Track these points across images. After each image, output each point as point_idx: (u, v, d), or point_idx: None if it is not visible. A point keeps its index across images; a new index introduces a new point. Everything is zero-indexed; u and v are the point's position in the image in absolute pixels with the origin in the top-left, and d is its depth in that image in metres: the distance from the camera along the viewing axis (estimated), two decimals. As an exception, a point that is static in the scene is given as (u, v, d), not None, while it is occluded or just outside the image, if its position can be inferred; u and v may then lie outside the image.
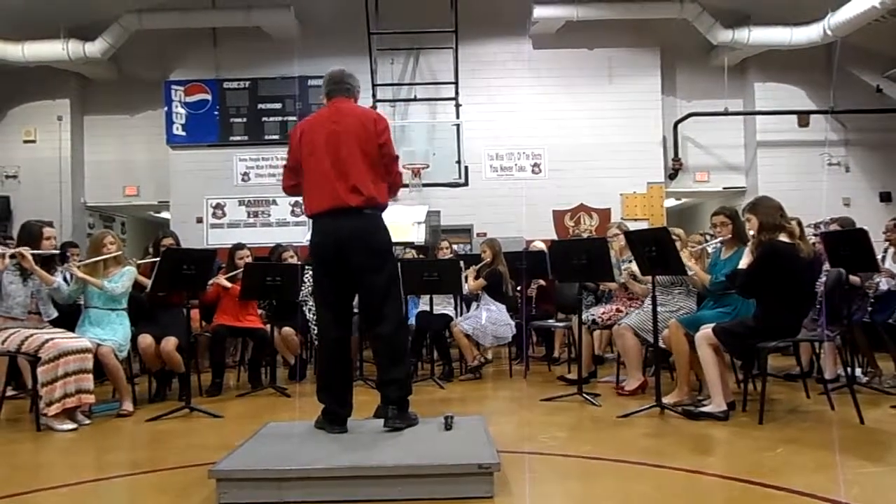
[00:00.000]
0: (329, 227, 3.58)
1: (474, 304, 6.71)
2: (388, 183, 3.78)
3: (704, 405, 4.40)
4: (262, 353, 6.03)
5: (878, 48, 10.54)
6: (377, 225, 3.64)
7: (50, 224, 4.98)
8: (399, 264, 6.39)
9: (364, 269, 3.57)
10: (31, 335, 4.48)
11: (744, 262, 4.34)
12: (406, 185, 4.02)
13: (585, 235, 9.79)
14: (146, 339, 5.22)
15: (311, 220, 3.72)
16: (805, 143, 11.16)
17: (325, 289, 3.68)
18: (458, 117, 10.26)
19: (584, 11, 10.31)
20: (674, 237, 4.72)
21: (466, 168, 9.72)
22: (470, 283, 6.59)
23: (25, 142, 11.34)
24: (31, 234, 4.75)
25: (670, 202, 12.06)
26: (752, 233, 4.36)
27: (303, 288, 6.22)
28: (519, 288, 7.02)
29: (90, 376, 4.51)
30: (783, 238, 4.20)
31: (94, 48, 10.30)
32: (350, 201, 3.53)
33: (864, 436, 3.92)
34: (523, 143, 11.14)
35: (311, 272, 6.50)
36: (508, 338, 6.53)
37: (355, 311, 4.21)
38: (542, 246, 7.45)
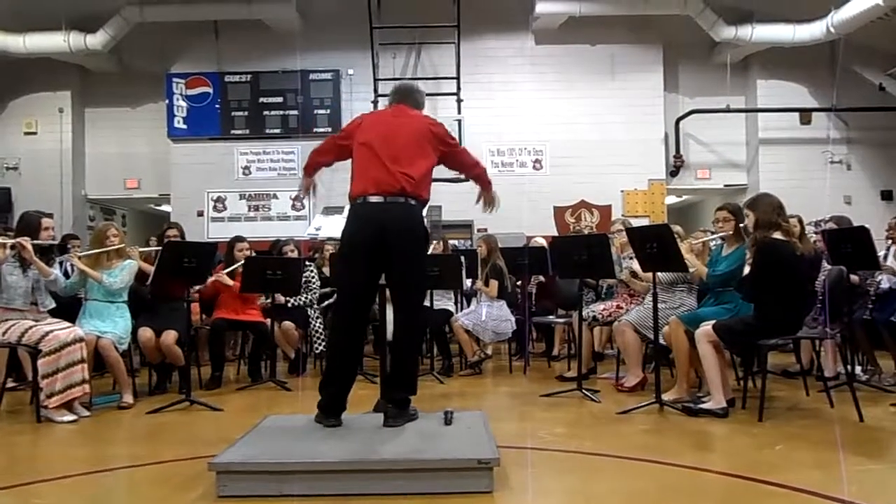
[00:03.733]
0: (374, 210, 3.57)
1: (474, 300, 6.70)
2: (466, 171, 4.10)
3: (704, 402, 4.40)
4: (263, 346, 6.04)
5: (881, 46, 10.50)
6: (421, 216, 3.71)
7: (49, 215, 4.97)
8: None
9: (403, 257, 3.56)
10: (32, 327, 4.49)
11: (748, 268, 4.34)
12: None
13: (586, 232, 9.80)
14: (146, 333, 5.23)
15: (348, 206, 3.71)
16: (807, 141, 11.13)
17: (354, 275, 3.62)
18: (459, 112, 10.22)
19: (586, 7, 10.28)
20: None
21: (468, 163, 9.68)
22: (486, 290, 6.50)
23: (26, 133, 11.32)
24: (30, 225, 4.75)
25: (671, 199, 12.04)
26: (749, 228, 4.37)
27: (309, 293, 6.27)
28: (520, 284, 7.02)
29: (85, 366, 4.51)
30: (778, 235, 4.20)
31: (96, 40, 10.27)
32: (402, 186, 3.56)
33: (864, 433, 3.93)
34: (525, 139, 11.11)
35: (319, 265, 6.60)
36: (508, 333, 6.52)
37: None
38: (543, 242, 7.44)
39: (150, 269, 5.13)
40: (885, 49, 10.52)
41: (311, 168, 4.04)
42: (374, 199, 3.58)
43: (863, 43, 10.28)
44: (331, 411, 3.50)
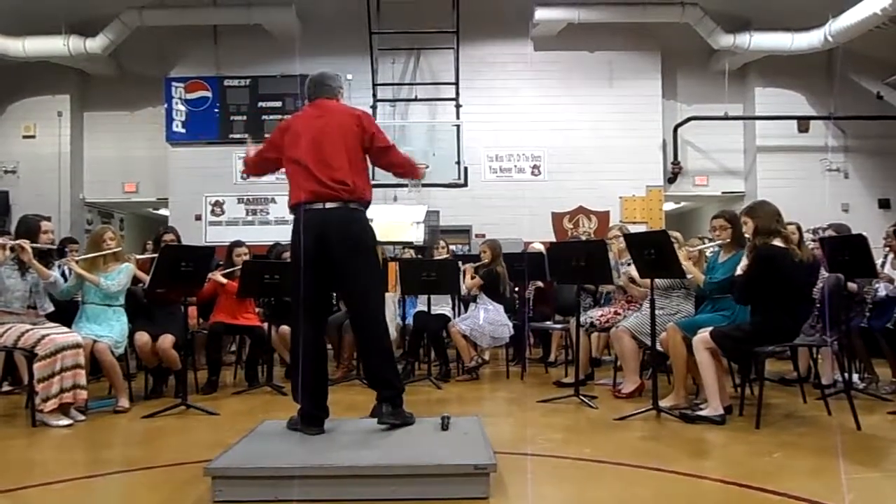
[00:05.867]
0: (313, 218, 3.54)
1: (472, 305, 6.70)
2: (395, 170, 3.89)
3: (701, 409, 4.40)
4: (259, 351, 6.02)
5: (878, 55, 10.54)
6: (361, 219, 3.64)
7: (48, 218, 4.97)
8: (398, 264, 6.44)
9: (345, 263, 3.53)
10: (28, 330, 4.47)
11: (741, 269, 4.35)
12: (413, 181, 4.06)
13: (584, 238, 9.81)
14: (143, 337, 5.21)
15: (293, 213, 3.66)
16: (805, 149, 11.17)
17: (305, 284, 3.56)
18: (458, 118, 10.24)
19: (585, 14, 10.32)
20: (672, 240, 4.72)
21: (466, 169, 9.71)
22: (467, 281, 6.59)
23: (25, 137, 11.32)
24: (29, 228, 4.75)
25: (669, 206, 12.06)
26: (748, 236, 4.38)
27: None
28: (518, 289, 7.01)
29: (83, 371, 4.51)
30: (777, 243, 4.21)
31: (95, 44, 10.27)
32: (334, 192, 3.52)
33: (861, 441, 3.92)
34: (523, 145, 11.13)
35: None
36: (506, 339, 6.52)
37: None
38: (540, 248, 7.45)
39: (146, 277, 5.12)
40: (883, 58, 10.56)
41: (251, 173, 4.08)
42: (311, 206, 3.54)
43: (861, 52, 10.31)
44: (314, 420, 3.48)
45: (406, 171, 3.97)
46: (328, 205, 3.53)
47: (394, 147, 3.83)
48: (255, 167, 4.01)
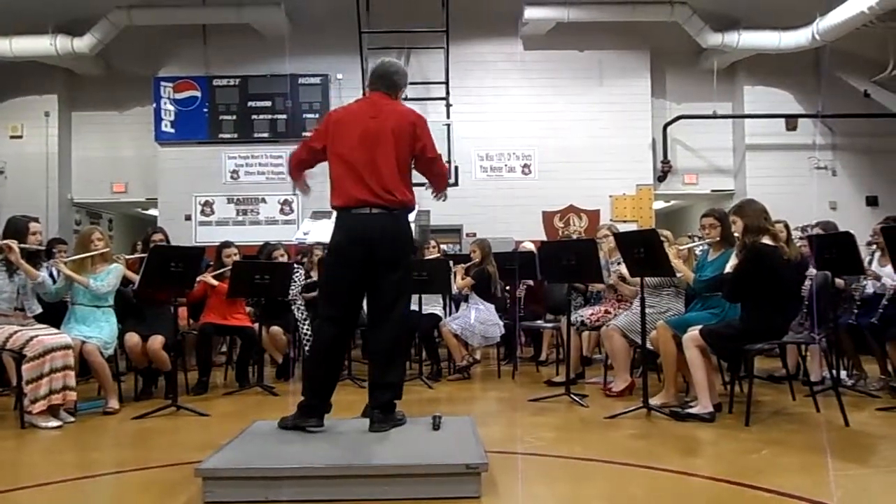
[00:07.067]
0: (359, 222, 3.53)
1: (463, 304, 6.70)
2: (432, 180, 3.84)
3: (691, 406, 4.41)
4: (250, 351, 6.01)
5: (865, 53, 10.62)
6: (405, 225, 3.65)
7: (36, 219, 4.93)
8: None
9: (386, 267, 3.53)
10: (17, 331, 4.44)
11: (730, 267, 4.38)
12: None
13: (575, 237, 9.83)
14: (133, 338, 5.19)
15: (335, 213, 3.64)
16: (793, 147, 11.23)
17: (340, 283, 3.59)
18: (448, 117, 10.25)
19: (574, 13, 10.35)
20: (662, 238, 4.74)
21: (456, 168, 9.72)
22: (458, 281, 6.59)
23: (12, 137, 11.25)
24: (17, 229, 4.71)
25: (659, 204, 12.10)
26: (737, 235, 4.41)
27: (292, 287, 6.20)
28: (508, 288, 7.01)
29: (73, 373, 4.48)
30: (766, 241, 4.24)
31: (83, 43, 10.22)
32: (382, 200, 3.51)
33: (849, 438, 3.95)
34: (513, 144, 11.15)
35: (300, 270, 6.58)
36: (497, 338, 6.53)
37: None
38: (531, 247, 7.46)
39: (135, 277, 5.10)
40: (870, 56, 10.64)
41: (295, 172, 3.93)
42: (357, 210, 3.53)
43: (848, 50, 10.38)
44: (314, 412, 3.49)
45: (440, 183, 3.93)
46: (374, 210, 3.52)
47: (439, 158, 3.79)
48: (300, 163, 3.84)
